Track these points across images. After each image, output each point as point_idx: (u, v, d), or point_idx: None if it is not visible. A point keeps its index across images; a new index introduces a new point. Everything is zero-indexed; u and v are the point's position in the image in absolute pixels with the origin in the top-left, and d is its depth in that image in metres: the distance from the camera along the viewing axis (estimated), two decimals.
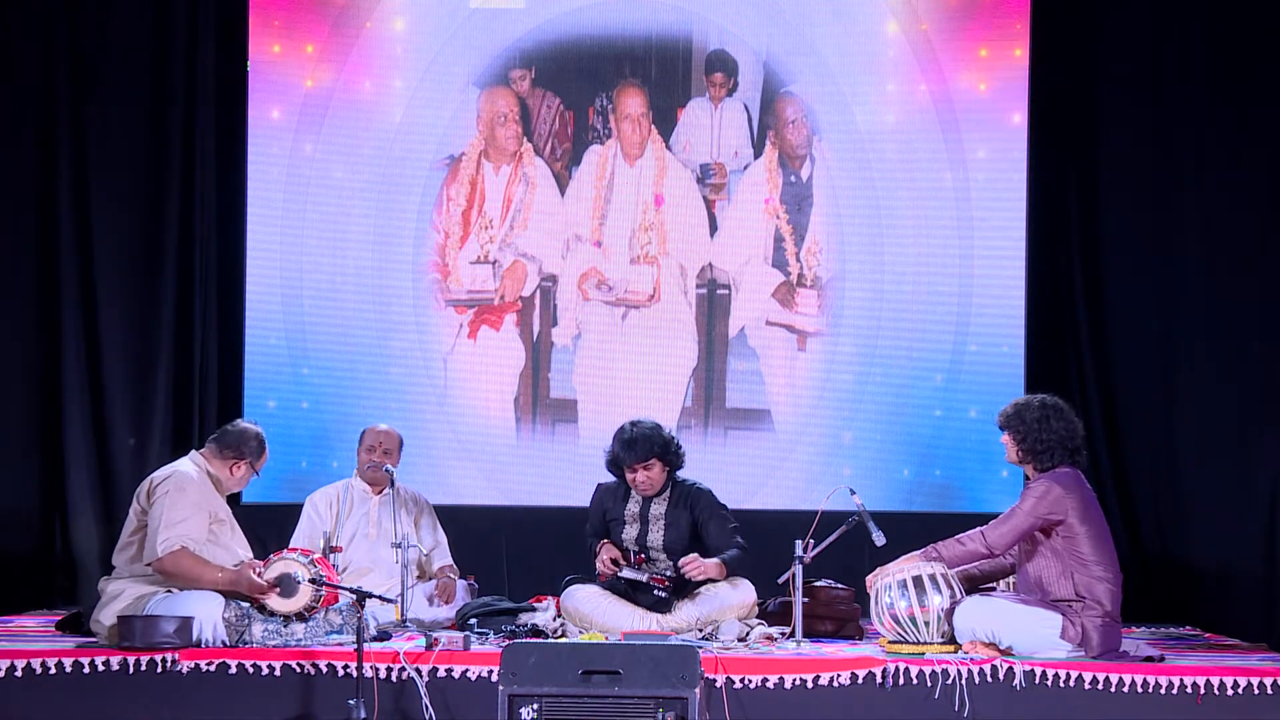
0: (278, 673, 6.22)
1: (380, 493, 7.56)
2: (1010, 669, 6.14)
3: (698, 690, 5.80)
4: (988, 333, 8.64)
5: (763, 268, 8.78)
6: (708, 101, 8.81)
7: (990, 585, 6.77)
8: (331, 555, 6.95)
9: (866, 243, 8.74)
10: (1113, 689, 6.13)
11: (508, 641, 6.30)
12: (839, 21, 8.76)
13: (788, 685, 6.15)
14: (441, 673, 6.19)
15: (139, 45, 8.58)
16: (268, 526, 8.01)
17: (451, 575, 7.45)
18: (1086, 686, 6.13)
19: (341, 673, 6.18)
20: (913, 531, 7.33)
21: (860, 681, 6.16)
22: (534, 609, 7.12)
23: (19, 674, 6.18)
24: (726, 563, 6.97)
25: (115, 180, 8.53)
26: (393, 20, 8.83)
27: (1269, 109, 7.79)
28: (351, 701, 5.93)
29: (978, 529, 6.51)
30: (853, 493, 6.83)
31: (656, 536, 7.09)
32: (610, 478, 7.26)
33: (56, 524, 8.38)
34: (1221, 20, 8.09)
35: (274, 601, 6.47)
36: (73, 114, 8.46)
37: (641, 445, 6.99)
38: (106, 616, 6.49)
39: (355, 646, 6.03)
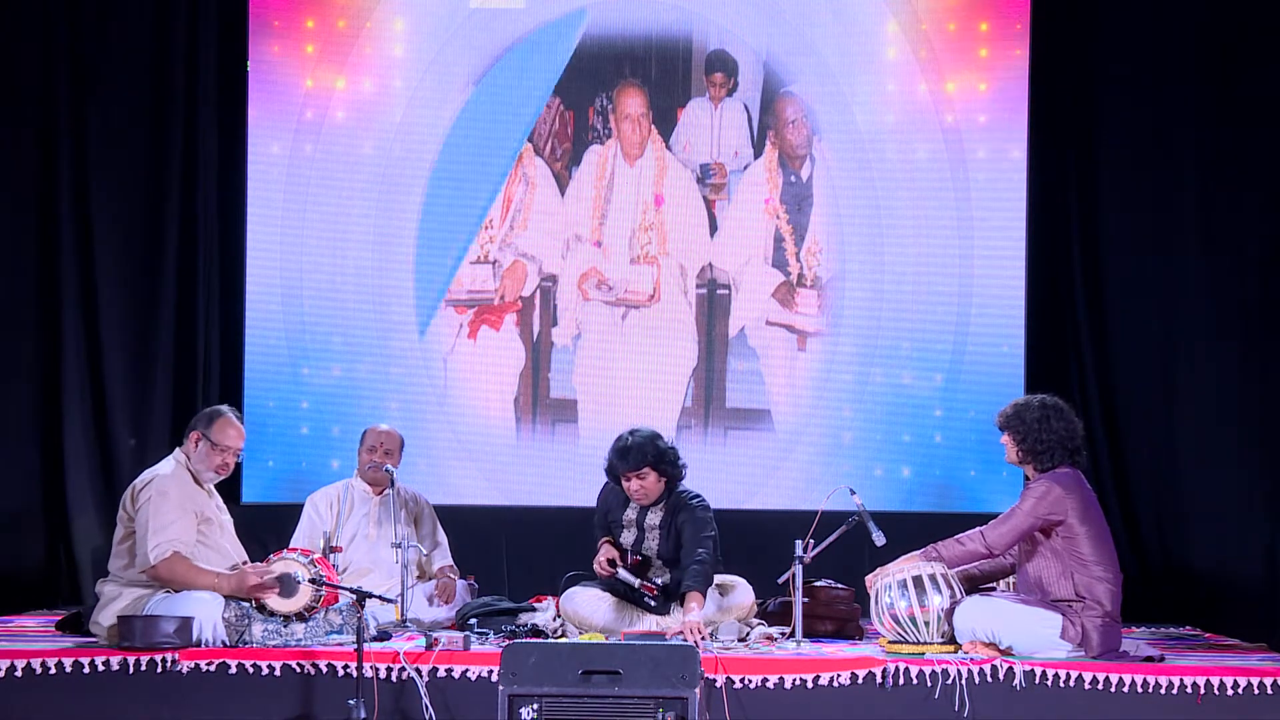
0: (278, 673, 6.21)
1: (381, 493, 7.55)
2: (1010, 669, 6.13)
3: (698, 690, 5.80)
4: (988, 333, 8.64)
5: (763, 268, 8.78)
6: (708, 101, 8.81)
7: (990, 585, 6.77)
8: (331, 555, 6.95)
9: (866, 243, 8.74)
10: (1113, 689, 6.13)
11: (508, 641, 6.29)
12: (839, 21, 8.75)
13: (788, 685, 6.15)
14: (441, 673, 6.18)
15: (139, 45, 8.58)
16: (268, 526, 8.02)
17: (451, 575, 7.45)
18: (1086, 686, 6.13)
19: (341, 673, 6.17)
20: (913, 531, 7.32)
21: (860, 681, 6.15)
22: (534, 609, 7.13)
23: (19, 674, 6.18)
24: (698, 590, 6.75)
25: (115, 180, 8.52)
26: (393, 20, 8.82)
27: (1269, 109, 7.79)
28: (351, 701, 5.94)
29: (978, 529, 6.51)
30: (853, 493, 6.83)
31: (651, 545, 7.07)
32: None
33: (57, 524, 8.38)
34: (1221, 20, 8.09)
35: (274, 601, 6.46)
36: (73, 114, 8.45)
37: (635, 454, 6.95)
38: (105, 618, 6.49)
39: (355, 646, 6.03)
